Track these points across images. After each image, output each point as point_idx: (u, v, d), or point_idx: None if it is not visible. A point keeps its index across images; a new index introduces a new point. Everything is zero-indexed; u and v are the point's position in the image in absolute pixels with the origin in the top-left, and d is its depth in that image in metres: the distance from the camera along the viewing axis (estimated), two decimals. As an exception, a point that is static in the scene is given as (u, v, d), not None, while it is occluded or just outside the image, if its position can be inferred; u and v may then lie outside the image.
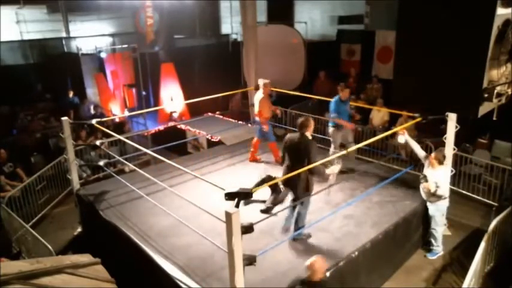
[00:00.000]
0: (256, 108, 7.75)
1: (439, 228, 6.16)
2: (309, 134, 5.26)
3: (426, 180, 5.86)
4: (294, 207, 5.43)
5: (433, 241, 6.22)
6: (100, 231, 6.40)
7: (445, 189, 5.93)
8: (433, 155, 5.95)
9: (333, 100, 7.40)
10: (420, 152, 6.29)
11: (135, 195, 6.42)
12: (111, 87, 13.82)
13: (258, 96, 7.74)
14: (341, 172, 5.93)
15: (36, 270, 3.48)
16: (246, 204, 6.16)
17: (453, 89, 7.17)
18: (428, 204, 6.11)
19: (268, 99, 7.80)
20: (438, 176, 5.84)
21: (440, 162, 5.90)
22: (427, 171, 6.02)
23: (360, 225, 5.71)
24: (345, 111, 7.39)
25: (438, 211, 6.05)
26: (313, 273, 4.11)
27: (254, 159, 8.07)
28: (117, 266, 4.59)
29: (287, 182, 5.24)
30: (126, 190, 6.62)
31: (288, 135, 5.44)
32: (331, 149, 7.62)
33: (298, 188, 5.17)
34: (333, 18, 15.16)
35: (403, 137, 6.34)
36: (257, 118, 7.80)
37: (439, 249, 6.25)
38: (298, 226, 5.39)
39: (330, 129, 7.57)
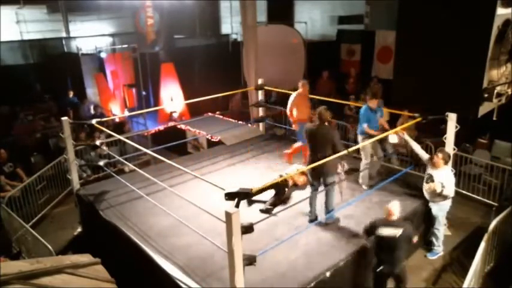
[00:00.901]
0: (288, 107, 7.53)
1: (442, 228, 6.16)
2: (327, 122, 5.70)
3: (432, 181, 5.84)
4: (313, 197, 5.78)
5: (434, 241, 6.21)
6: (100, 231, 6.40)
7: (451, 189, 5.91)
8: (440, 155, 5.90)
9: (362, 110, 6.78)
10: (423, 155, 6.25)
11: (135, 195, 6.41)
12: (111, 87, 13.82)
13: (292, 96, 7.55)
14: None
15: (36, 270, 3.48)
16: (249, 205, 6.18)
17: (453, 89, 7.17)
18: (431, 204, 6.09)
19: (304, 100, 7.51)
20: (442, 176, 5.82)
21: (446, 162, 5.90)
22: (431, 172, 5.99)
23: (360, 225, 5.69)
24: (374, 121, 6.75)
25: (442, 211, 6.04)
26: (389, 215, 4.87)
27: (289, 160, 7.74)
28: (117, 266, 4.59)
29: (315, 170, 5.49)
30: (126, 190, 6.62)
31: (308, 127, 5.78)
32: (363, 161, 6.98)
33: (328, 172, 5.58)
34: (333, 18, 15.16)
35: (395, 136, 6.32)
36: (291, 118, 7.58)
37: (439, 249, 6.25)
38: (329, 209, 5.71)
39: (359, 139, 6.86)
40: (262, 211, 6.02)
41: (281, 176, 6.35)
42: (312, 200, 5.81)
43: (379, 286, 5.06)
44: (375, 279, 5.04)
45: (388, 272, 4.91)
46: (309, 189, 6.57)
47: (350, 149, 5.62)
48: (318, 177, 5.70)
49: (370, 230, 4.99)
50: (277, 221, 5.63)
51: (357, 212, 6.02)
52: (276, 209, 6.04)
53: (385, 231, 4.79)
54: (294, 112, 7.50)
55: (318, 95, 9.36)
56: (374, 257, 5.04)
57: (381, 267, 4.88)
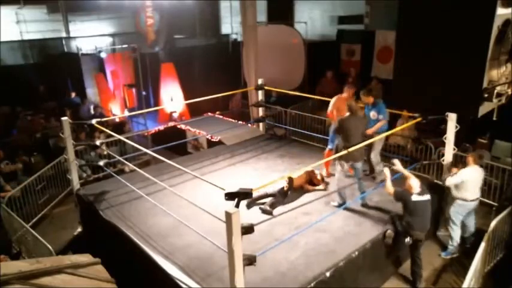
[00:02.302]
0: (329, 108, 7.22)
1: (456, 228, 6.11)
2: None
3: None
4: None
5: (449, 241, 6.19)
6: (100, 231, 6.40)
7: (466, 189, 5.92)
8: (469, 154, 6.10)
9: None
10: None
11: (135, 195, 6.41)
12: (111, 87, 13.82)
13: (333, 99, 7.23)
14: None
15: (36, 270, 3.49)
16: (248, 207, 6.15)
17: (453, 89, 7.18)
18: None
19: (344, 104, 7.04)
20: (467, 174, 5.87)
21: (475, 162, 5.93)
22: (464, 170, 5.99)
23: (360, 225, 5.71)
24: (368, 117, 6.79)
25: (454, 212, 6.04)
26: (412, 189, 5.34)
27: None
28: (117, 266, 4.59)
29: (348, 155, 5.74)
30: (126, 190, 6.62)
31: (344, 119, 5.99)
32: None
33: (361, 157, 6.02)
34: (333, 18, 15.16)
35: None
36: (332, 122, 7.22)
37: (453, 249, 6.18)
38: (363, 191, 6.14)
39: None
40: (261, 210, 6.01)
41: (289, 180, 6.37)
42: (342, 184, 6.09)
43: (415, 250, 5.53)
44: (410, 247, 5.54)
45: (418, 237, 5.39)
46: (308, 192, 6.62)
47: (350, 149, 5.62)
48: (350, 162, 5.96)
49: (403, 198, 5.40)
50: (277, 221, 5.63)
51: (357, 212, 6.02)
52: (276, 210, 6.03)
53: (418, 198, 5.32)
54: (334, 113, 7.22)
55: (322, 94, 9.37)
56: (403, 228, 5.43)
57: (411, 236, 5.37)
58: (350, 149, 5.61)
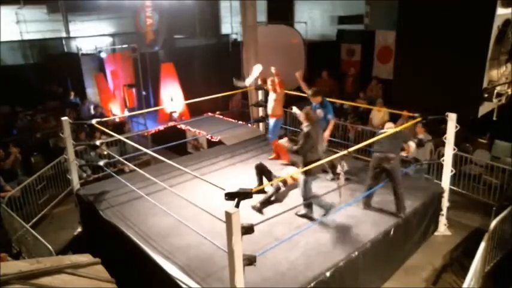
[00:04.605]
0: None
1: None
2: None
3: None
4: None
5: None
6: (100, 231, 6.40)
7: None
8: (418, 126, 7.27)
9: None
10: None
11: (135, 195, 6.41)
12: (111, 87, 13.82)
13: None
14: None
15: (36, 270, 3.48)
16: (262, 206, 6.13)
17: (453, 89, 7.16)
18: None
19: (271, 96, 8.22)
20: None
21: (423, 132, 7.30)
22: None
23: (360, 225, 5.71)
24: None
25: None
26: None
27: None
28: (117, 266, 4.59)
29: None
30: (126, 190, 6.62)
31: (309, 131, 5.80)
32: None
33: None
34: (333, 18, 15.17)
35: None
36: None
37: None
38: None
39: None
40: (251, 206, 5.99)
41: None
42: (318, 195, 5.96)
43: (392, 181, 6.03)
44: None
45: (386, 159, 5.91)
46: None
47: (350, 149, 5.62)
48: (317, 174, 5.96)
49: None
50: (277, 221, 5.63)
51: (357, 212, 6.02)
52: (276, 210, 6.03)
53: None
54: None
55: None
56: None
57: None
58: (350, 149, 5.62)
